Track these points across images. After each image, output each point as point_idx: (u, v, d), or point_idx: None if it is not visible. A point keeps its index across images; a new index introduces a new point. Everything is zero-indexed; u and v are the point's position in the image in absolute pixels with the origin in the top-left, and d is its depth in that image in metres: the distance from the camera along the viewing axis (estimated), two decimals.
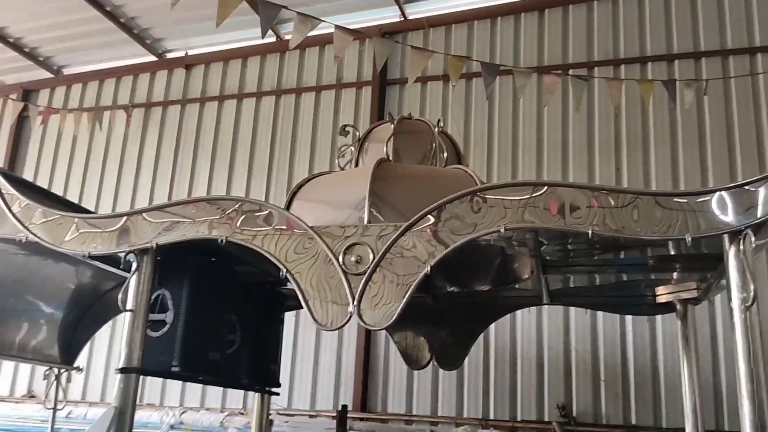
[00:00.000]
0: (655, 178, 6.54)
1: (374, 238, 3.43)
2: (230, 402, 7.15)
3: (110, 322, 6.53)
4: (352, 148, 4.70)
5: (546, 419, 6.29)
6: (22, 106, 8.01)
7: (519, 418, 6.38)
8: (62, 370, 5.72)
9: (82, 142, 8.56)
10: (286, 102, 8.00)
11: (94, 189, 8.40)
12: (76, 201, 8.13)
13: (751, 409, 2.80)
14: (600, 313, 6.34)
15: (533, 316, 6.50)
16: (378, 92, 7.55)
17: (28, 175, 8.75)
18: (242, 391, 7.13)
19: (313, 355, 7.05)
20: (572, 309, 6.40)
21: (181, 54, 8.57)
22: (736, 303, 2.94)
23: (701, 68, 6.70)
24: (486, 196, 3.30)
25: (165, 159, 8.25)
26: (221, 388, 7.10)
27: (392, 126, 4.37)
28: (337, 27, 4.87)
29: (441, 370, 6.46)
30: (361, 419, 6.59)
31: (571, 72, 6.85)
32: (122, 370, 3.60)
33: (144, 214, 3.77)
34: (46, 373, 5.69)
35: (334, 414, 6.64)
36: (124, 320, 3.69)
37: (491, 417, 6.44)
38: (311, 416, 6.84)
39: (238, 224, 3.64)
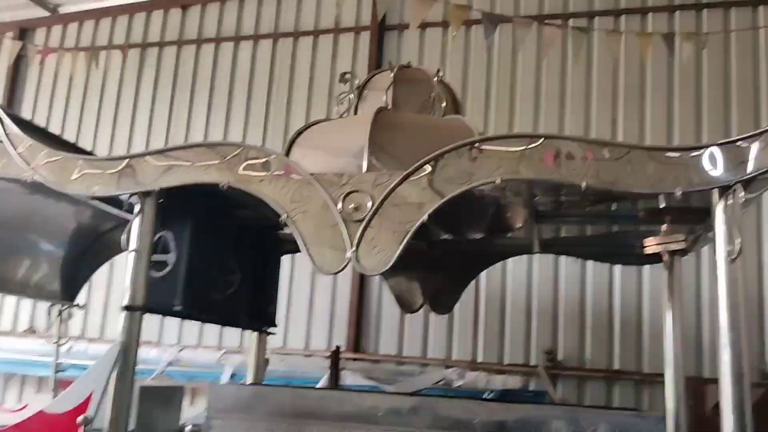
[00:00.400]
0: (650, 130, 6.61)
1: (372, 186, 3.52)
2: (227, 341, 7.33)
3: (108, 261, 6.69)
4: (351, 96, 4.73)
5: (532, 363, 6.52)
6: (20, 45, 7.92)
7: (506, 362, 6.61)
8: (64, 307, 5.88)
9: (79, 83, 8.48)
10: (284, 46, 7.95)
11: (91, 130, 8.39)
12: (73, 142, 8.19)
13: (731, 356, 2.97)
14: (589, 263, 6.50)
15: (523, 263, 6.64)
16: (376, 38, 7.51)
17: (25, 115, 8.71)
18: (239, 331, 7.31)
19: (308, 297, 7.21)
20: (562, 258, 6.55)
21: None
22: (721, 255, 3.07)
23: (702, 20, 6.69)
24: (483, 147, 3.38)
25: (161, 101, 8.23)
26: (218, 327, 7.27)
27: (391, 75, 4.40)
28: None
29: (432, 314, 6.65)
30: (354, 359, 6.80)
31: (571, 22, 6.85)
32: (127, 308, 3.73)
33: (147, 157, 3.84)
34: (49, 309, 5.85)
35: (328, 354, 6.86)
36: (126, 260, 3.81)
37: (479, 360, 6.67)
38: (306, 356, 7.05)
39: (239, 170, 3.72)
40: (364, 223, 3.46)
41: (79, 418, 3.42)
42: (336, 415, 3.92)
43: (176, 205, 3.99)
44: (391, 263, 3.41)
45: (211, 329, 7.37)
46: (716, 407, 5.99)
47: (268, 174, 3.66)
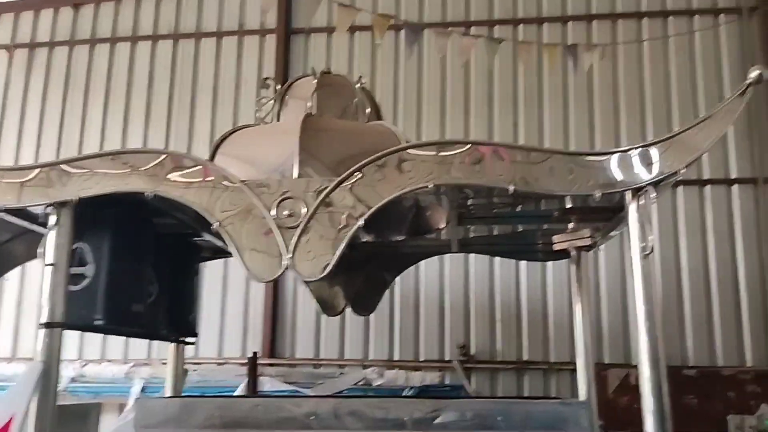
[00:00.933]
0: (548, 133, 6.99)
1: (305, 192, 3.54)
2: (133, 353, 7.05)
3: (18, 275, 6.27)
4: (272, 102, 4.70)
5: (447, 358, 6.73)
6: None
7: (422, 358, 6.78)
8: None
9: None
10: (185, 47, 7.72)
11: None
12: None
13: (649, 343, 3.21)
14: (496, 260, 6.79)
15: (435, 263, 6.82)
16: (283, 41, 7.46)
17: None
18: (145, 342, 7.06)
19: (220, 303, 7.06)
20: (471, 256, 6.79)
21: None
22: (635, 251, 3.31)
23: (593, 31, 7.17)
24: (414, 153, 3.49)
25: (52, 104, 7.75)
26: (123, 339, 6.99)
27: (314, 81, 4.41)
28: None
29: (348, 315, 6.71)
30: (271, 365, 6.74)
31: (473, 30, 7.14)
32: (46, 325, 3.55)
33: (63, 166, 3.66)
34: None
35: (242, 361, 6.76)
36: (42, 274, 3.61)
37: (396, 358, 6.80)
38: (219, 364, 6.90)
39: (164, 177, 3.62)
40: (299, 230, 3.49)
41: None
42: (270, 423, 3.87)
43: (91, 215, 3.84)
44: (329, 268, 3.45)
45: (115, 341, 7.06)
46: (616, 390, 6.50)
47: (196, 182, 3.60)
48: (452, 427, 3.75)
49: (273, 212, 3.51)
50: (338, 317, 6.73)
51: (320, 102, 4.42)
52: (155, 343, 7.09)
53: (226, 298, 7.07)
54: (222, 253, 5.43)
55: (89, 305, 3.85)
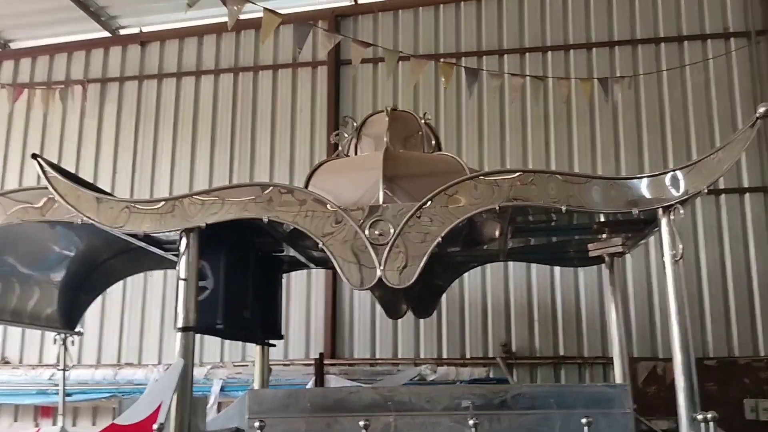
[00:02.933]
0: (577, 151, 7.76)
1: (393, 215, 4.29)
2: (207, 356, 7.83)
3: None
4: (345, 134, 5.49)
5: (491, 355, 7.48)
6: None
7: (468, 356, 7.54)
8: (67, 335, 6.26)
9: (37, 118, 8.72)
10: (245, 79, 8.55)
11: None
12: (33, 176, 8.42)
13: (680, 333, 3.94)
14: (533, 266, 7.54)
15: (477, 270, 7.56)
16: (334, 71, 8.26)
17: None
18: (218, 346, 7.85)
19: (285, 312, 7.80)
20: (510, 264, 7.54)
21: (136, 31, 8.84)
22: (668, 258, 4.05)
23: (615, 55, 7.94)
24: (483, 179, 4.24)
25: (125, 133, 8.61)
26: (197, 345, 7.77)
27: (386, 118, 5.19)
28: (266, 10, 5.55)
29: (400, 319, 7.48)
30: (333, 365, 7.50)
31: (505, 57, 7.93)
32: (182, 329, 4.32)
33: (192, 197, 4.43)
34: (55, 337, 6.21)
35: (306, 362, 7.55)
36: (177, 287, 4.37)
37: (444, 356, 7.55)
38: (285, 365, 7.66)
39: (276, 206, 4.39)
40: (388, 246, 4.23)
41: (156, 425, 3.98)
42: (361, 407, 4.61)
43: (210, 238, 4.61)
44: (415, 278, 4.20)
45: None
46: (645, 380, 7.21)
47: (302, 208, 4.36)
48: (512, 408, 4.47)
49: (366, 232, 4.26)
50: (392, 321, 7.55)
51: (391, 135, 5.20)
52: (226, 347, 7.90)
53: (290, 307, 7.82)
54: (298, 266, 6.24)
55: (211, 312, 4.64)
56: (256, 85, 8.51)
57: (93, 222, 4.43)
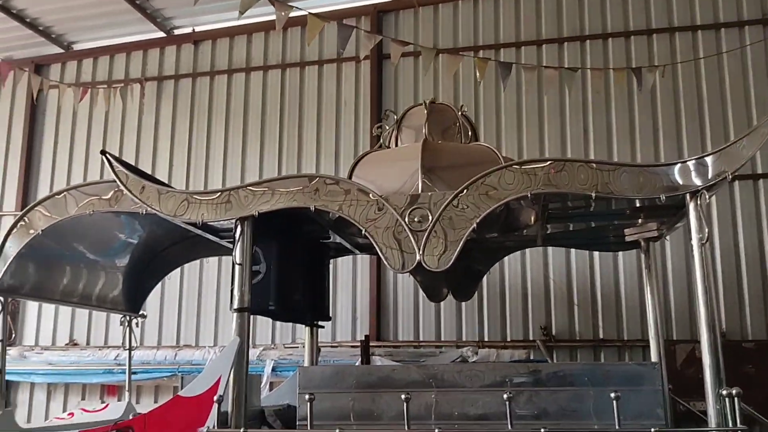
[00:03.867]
0: (616, 137, 7.88)
1: (431, 203, 4.57)
2: (260, 338, 8.27)
3: None
4: (387, 127, 5.79)
5: (531, 338, 7.71)
6: (40, 81, 8.63)
7: (509, 339, 7.78)
8: (132, 318, 6.76)
9: (99, 115, 9.28)
10: (292, 75, 8.93)
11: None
12: (97, 170, 9.02)
13: (706, 314, 4.12)
14: (572, 251, 7.72)
15: (517, 255, 7.79)
16: (376, 66, 8.56)
17: (47, 149, 9.49)
18: (269, 328, 8.28)
19: (332, 296, 8.18)
20: (549, 249, 7.74)
21: (189, 30, 9.30)
22: (695, 242, 4.23)
23: (653, 44, 8.02)
24: (516, 168, 4.48)
25: (181, 128, 9.10)
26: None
27: (425, 111, 5.46)
28: (310, 15, 5.93)
29: (442, 303, 7.77)
30: (378, 347, 7.84)
31: (544, 48, 8.09)
32: (238, 310, 4.70)
33: (245, 188, 4.80)
34: (122, 320, 6.72)
35: (353, 344, 7.91)
36: (233, 270, 4.75)
37: (486, 339, 7.81)
38: (333, 346, 8.03)
39: (321, 195, 4.72)
40: (427, 232, 4.51)
41: (216, 397, 4.38)
42: (404, 384, 4.92)
43: (262, 225, 4.97)
44: (452, 261, 4.48)
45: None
46: (684, 362, 7.33)
47: (346, 197, 4.67)
48: (548, 385, 4.72)
49: (406, 219, 4.55)
50: (434, 304, 7.85)
51: (430, 127, 5.48)
52: (277, 329, 8.33)
53: (337, 292, 8.19)
54: (344, 252, 6.58)
55: (264, 295, 5.02)
56: (303, 80, 8.88)
57: (156, 212, 4.85)
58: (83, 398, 8.69)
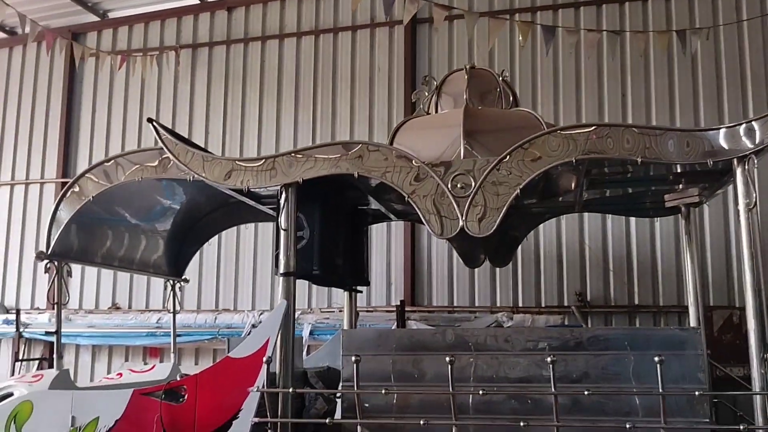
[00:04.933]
0: (655, 102, 7.78)
1: (474, 169, 4.59)
2: (297, 303, 8.37)
3: None
4: (426, 93, 5.79)
5: (566, 304, 7.75)
6: (81, 49, 8.70)
7: (543, 305, 7.83)
8: (176, 282, 6.93)
9: (135, 82, 9.37)
10: (325, 41, 8.92)
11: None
12: (135, 137, 9.14)
13: (752, 279, 4.12)
14: (609, 217, 7.70)
15: (553, 221, 7.79)
16: (410, 31, 8.50)
17: (85, 117, 9.63)
18: (305, 293, 8.41)
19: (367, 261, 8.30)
20: (585, 215, 7.72)
21: None
22: (742, 206, 4.20)
23: (695, 6, 7.86)
24: (560, 133, 4.47)
25: (216, 96, 9.17)
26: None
27: (466, 76, 5.45)
28: None
29: (477, 269, 7.82)
30: (413, 311, 7.95)
31: (582, 10, 7.97)
32: (284, 274, 4.80)
33: (288, 156, 4.86)
34: (166, 284, 6.89)
35: (388, 309, 8.03)
36: (278, 236, 4.84)
37: (520, 305, 7.87)
38: (368, 311, 8.16)
39: (364, 162, 4.76)
40: (470, 199, 4.54)
41: (265, 358, 4.50)
42: (445, 346, 5.00)
43: (305, 192, 5.04)
44: (494, 227, 4.51)
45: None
46: (721, 328, 7.32)
47: (389, 164, 4.71)
48: (587, 349, 4.75)
49: (449, 185, 4.58)
50: (468, 270, 7.90)
51: (470, 93, 5.47)
52: (314, 294, 8.47)
53: (372, 258, 8.25)
54: (381, 218, 6.64)
55: (308, 260, 5.11)
56: (336, 46, 8.87)
57: (203, 179, 4.94)
58: (126, 360, 8.95)
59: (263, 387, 4.46)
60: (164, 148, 5.00)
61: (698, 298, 5.90)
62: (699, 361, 4.54)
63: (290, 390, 4.52)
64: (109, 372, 8.74)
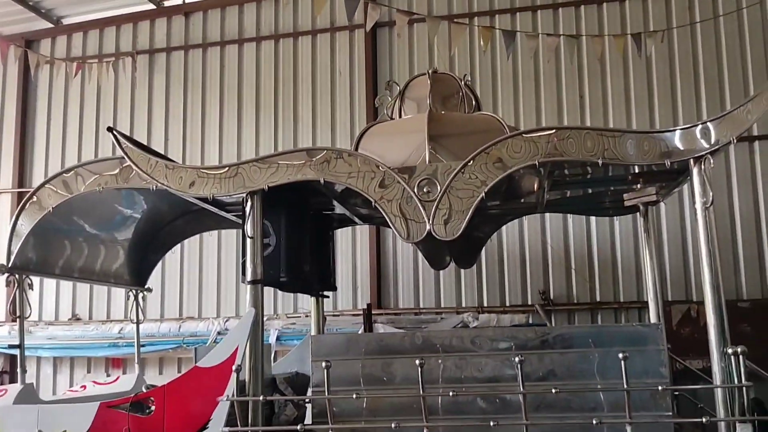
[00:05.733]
0: (611, 103, 7.97)
1: (439, 173, 4.63)
2: (264, 309, 8.33)
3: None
4: (389, 98, 5.82)
5: (530, 303, 7.87)
6: (36, 57, 8.52)
7: (508, 304, 7.94)
8: (139, 291, 6.82)
9: (92, 89, 9.19)
10: (285, 45, 8.89)
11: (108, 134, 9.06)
12: (92, 145, 8.99)
13: (710, 275, 4.25)
14: (570, 216, 7.85)
15: (516, 221, 7.89)
16: (371, 35, 8.52)
17: (41, 124, 9.41)
18: (271, 298, 8.36)
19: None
20: (547, 214, 7.85)
21: (179, 2, 9.18)
22: (699, 205, 4.34)
23: (648, 8, 8.07)
24: (524, 137, 4.54)
25: (175, 102, 9.06)
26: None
27: (429, 81, 5.49)
28: None
29: (442, 270, 7.89)
30: (379, 314, 7.97)
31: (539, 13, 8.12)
32: (252, 282, 4.77)
33: (253, 163, 4.83)
34: (128, 293, 6.78)
35: (354, 313, 8.04)
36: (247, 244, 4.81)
37: (485, 304, 7.97)
38: (335, 315, 8.15)
39: (329, 168, 4.76)
40: (436, 203, 4.58)
41: (234, 366, 4.47)
42: (414, 350, 5.02)
43: (271, 199, 5.02)
44: (461, 230, 4.57)
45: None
46: (679, 322, 7.51)
47: (355, 170, 4.72)
48: (553, 347, 4.84)
49: (415, 190, 4.62)
50: (434, 272, 7.96)
51: (433, 98, 5.51)
52: (279, 299, 8.43)
53: (338, 262, 8.24)
54: (346, 222, 6.65)
55: (275, 267, 5.09)
56: (297, 51, 8.85)
57: (167, 187, 4.87)
58: (89, 371, 8.79)
59: (233, 396, 4.43)
60: (125, 157, 4.92)
61: (657, 293, 6.06)
62: (661, 356, 4.65)
63: (261, 398, 4.50)
64: (71, 384, 8.56)
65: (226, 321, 8.15)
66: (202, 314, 8.56)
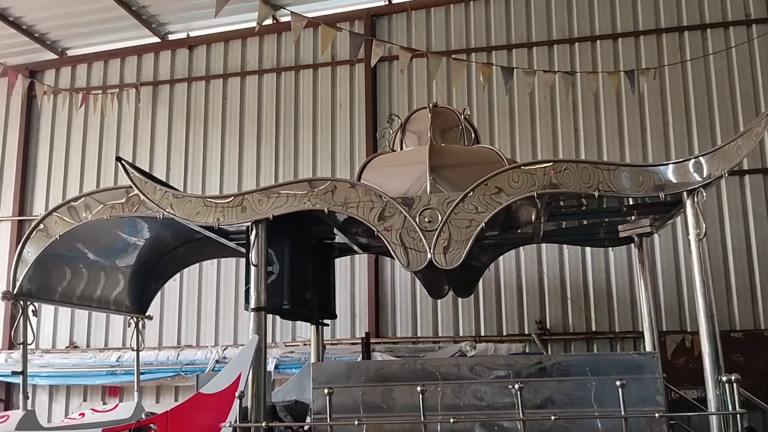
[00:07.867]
0: (605, 136, 8.15)
1: (440, 204, 4.76)
2: None
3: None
4: (390, 131, 5.98)
5: (526, 332, 7.95)
6: (42, 87, 8.66)
7: (505, 333, 8.02)
8: (139, 319, 6.87)
9: (95, 119, 9.34)
10: (287, 79, 9.08)
11: (111, 164, 9.20)
12: (94, 174, 9.11)
13: (704, 304, 4.37)
14: (566, 247, 7.98)
15: (512, 252, 8.02)
16: (371, 68, 8.73)
17: (43, 153, 9.54)
18: (270, 326, 8.37)
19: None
20: (543, 245, 7.98)
21: (183, 36, 9.39)
22: (692, 237, 4.48)
23: (640, 45, 8.30)
24: (523, 169, 4.69)
25: (177, 133, 9.21)
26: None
27: (430, 114, 5.66)
28: (293, 14, 6.31)
29: (440, 300, 7.98)
30: (378, 343, 8.02)
31: (534, 50, 8.33)
32: (256, 310, 4.86)
33: (257, 193, 4.95)
34: (129, 321, 6.83)
35: (353, 341, 8.09)
36: (250, 272, 4.91)
37: (483, 333, 8.04)
38: (333, 344, 8.20)
39: (333, 198, 4.89)
40: (437, 232, 4.70)
41: (238, 393, 4.53)
42: (414, 377, 5.09)
43: (275, 228, 5.13)
44: (462, 259, 4.68)
45: (246, 328, 8.44)
46: (674, 352, 7.59)
47: (358, 200, 4.85)
48: (550, 375, 4.92)
49: (416, 220, 4.74)
50: (432, 301, 8.06)
51: (434, 130, 5.68)
52: (278, 328, 8.48)
53: (336, 291, 8.32)
54: (347, 251, 6.76)
55: (278, 294, 5.17)
56: (298, 83, 9.04)
57: (173, 216, 4.99)
58: (85, 399, 8.78)
59: (236, 422, 4.48)
60: (133, 186, 5.04)
61: (652, 323, 6.16)
62: (657, 384, 4.74)
63: (263, 424, 4.55)
64: (67, 413, 8.55)
65: (225, 349, 8.18)
66: (201, 342, 8.59)
